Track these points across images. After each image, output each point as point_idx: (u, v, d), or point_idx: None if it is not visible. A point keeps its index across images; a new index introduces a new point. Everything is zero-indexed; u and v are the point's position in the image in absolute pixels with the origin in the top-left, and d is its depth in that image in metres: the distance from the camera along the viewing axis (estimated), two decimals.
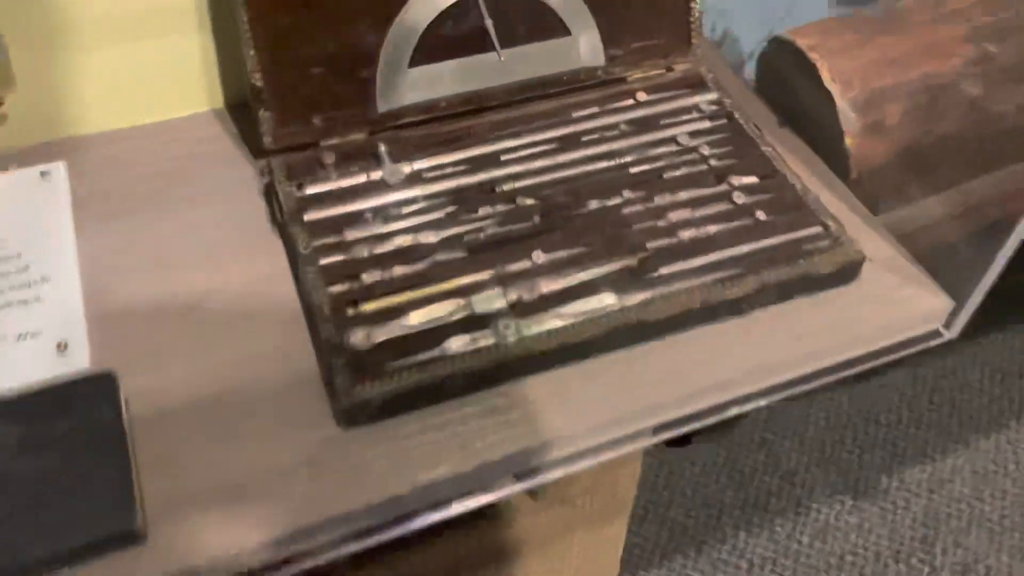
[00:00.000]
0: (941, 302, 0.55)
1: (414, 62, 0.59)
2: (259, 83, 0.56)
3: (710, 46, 0.73)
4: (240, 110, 0.63)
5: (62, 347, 0.50)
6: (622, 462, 0.61)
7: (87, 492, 0.43)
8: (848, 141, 0.61)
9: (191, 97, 0.64)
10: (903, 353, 0.56)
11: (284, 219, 0.55)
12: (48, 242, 0.55)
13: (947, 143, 0.62)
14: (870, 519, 1.74)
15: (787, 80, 0.66)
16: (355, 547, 0.45)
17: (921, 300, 0.55)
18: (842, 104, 0.61)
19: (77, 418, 0.45)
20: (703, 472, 1.82)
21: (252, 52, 0.55)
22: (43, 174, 0.59)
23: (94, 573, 0.42)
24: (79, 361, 0.49)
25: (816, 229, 0.56)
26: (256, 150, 0.60)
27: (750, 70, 1.02)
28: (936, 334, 0.56)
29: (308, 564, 0.45)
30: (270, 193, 0.57)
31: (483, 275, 0.52)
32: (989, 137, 0.64)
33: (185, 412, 0.48)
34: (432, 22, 0.59)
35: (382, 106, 0.60)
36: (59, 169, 0.60)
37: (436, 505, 0.47)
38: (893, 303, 0.55)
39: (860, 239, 0.57)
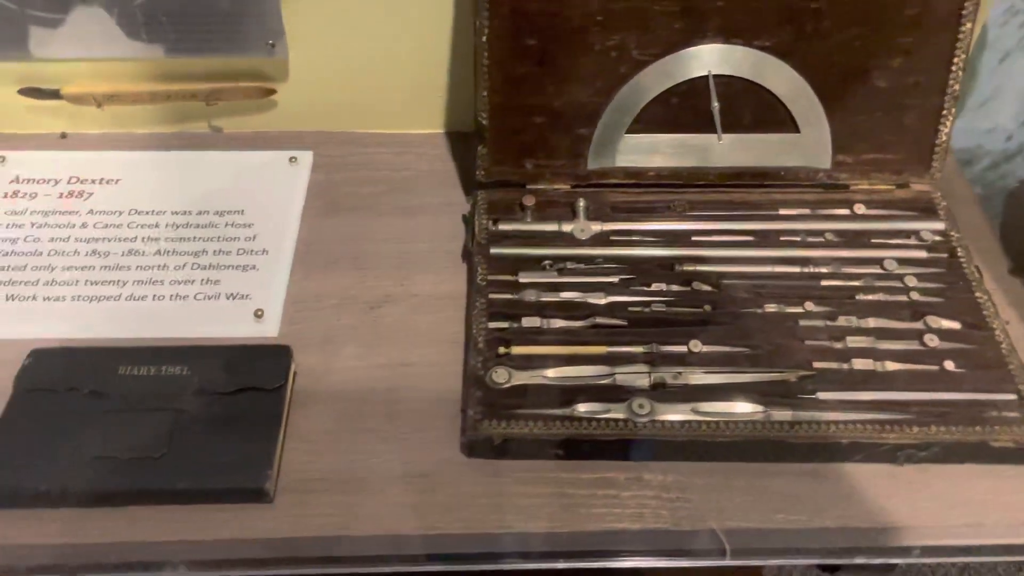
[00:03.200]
0: None
1: (633, 129, 0.61)
2: (484, 122, 0.61)
3: (961, 172, 0.68)
4: (468, 138, 0.68)
5: (259, 314, 0.57)
6: (738, 570, 0.59)
7: (237, 446, 0.49)
8: None
9: (427, 117, 0.70)
10: None
11: (472, 248, 0.59)
12: (277, 220, 0.63)
13: None
14: None
15: None
16: (432, 568, 0.47)
17: None
18: None
19: (251, 379, 0.52)
20: None
21: (484, 93, 0.60)
22: (292, 159, 0.67)
23: (222, 516, 0.48)
24: (270, 330, 0.56)
25: (1010, 396, 0.51)
26: (469, 179, 0.64)
27: None
28: None
29: (389, 569, 0.48)
30: (469, 221, 0.62)
31: (636, 348, 0.53)
32: None
33: (340, 398, 0.53)
34: (660, 95, 0.60)
35: (592, 164, 0.62)
36: (306, 157, 0.68)
37: (524, 555, 0.49)
38: None
39: None
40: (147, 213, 0.63)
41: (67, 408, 0.50)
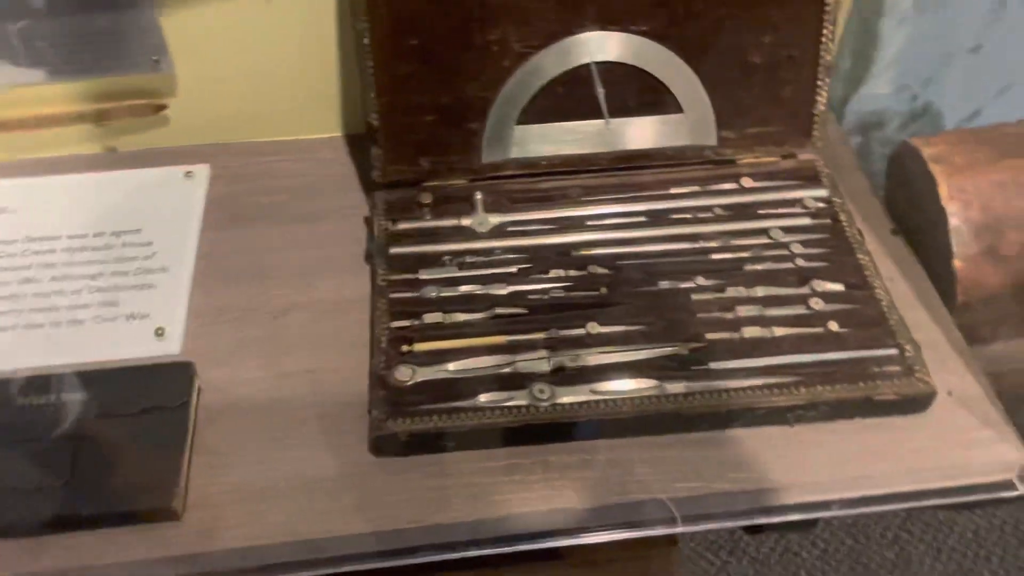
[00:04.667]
0: (1017, 453, 0.51)
1: (522, 120, 0.62)
2: (375, 123, 0.61)
3: (844, 138, 0.71)
4: (365, 139, 0.69)
5: (160, 332, 0.57)
6: (653, 544, 0.61)
7: (142, 466, 0.49)
8: (957, 263, 0.58)
9: (323, 122, 0.70)
10: (966, 499, 0.52)
11: (372, 250, 0.60)
12: (176, 237, 0.63)
13: None
14: None
15: (911, 187, 0.63)
16: (347, 569, 0.48)
17: (994, 446, 0.51)
18: (956, 223, 0.57)
19: (154, 399, 0.52)
20: (822, 557, 1.73)
21: (373, 95, 0.60)
22: (187, 174, 0.67)
23: (130, 538, 0.48)
24: (172, 347, 0.56)
25: (891, 351, 0.53)
26: (370, 181, 0.65)
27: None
28: (1009, 485, 0.52)
29: (316, 572, 0.49)
30: (370, 222, 0.62)
31: (536, 336, 0.54)
32: None
33: (247, 410, 0.54)
34: (545, 84, 0.61)
35: (486, 157, 0.63)
36: (203, 171, 0.68)
37: (443, 547, 0.50)
38: (961, 444, 0.52)
39: (943, 369, 0.54)
40: (42, 239, 0.62)
41: None
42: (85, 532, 0.48)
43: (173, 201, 0.65)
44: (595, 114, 0.62)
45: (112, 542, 0.47)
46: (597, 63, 0.61)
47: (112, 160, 0.69)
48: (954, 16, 0.80)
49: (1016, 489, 0.52)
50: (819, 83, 0.63)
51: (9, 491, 0.48)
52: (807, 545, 1.74)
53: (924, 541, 1.75)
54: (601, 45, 0.60)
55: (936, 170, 0.59)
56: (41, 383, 0.52)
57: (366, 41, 0.59)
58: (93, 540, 0.48)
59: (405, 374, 0.52)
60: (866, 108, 0.92)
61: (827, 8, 0.60)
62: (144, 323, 0.57)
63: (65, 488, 0.48)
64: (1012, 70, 0.87)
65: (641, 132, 0.63)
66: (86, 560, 0.47)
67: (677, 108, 0.63)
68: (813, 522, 0.80)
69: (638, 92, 0.62)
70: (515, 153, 0.63)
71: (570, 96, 0.62)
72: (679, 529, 0.51)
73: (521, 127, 0.62)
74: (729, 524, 0.51)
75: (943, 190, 0.58)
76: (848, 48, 0.80)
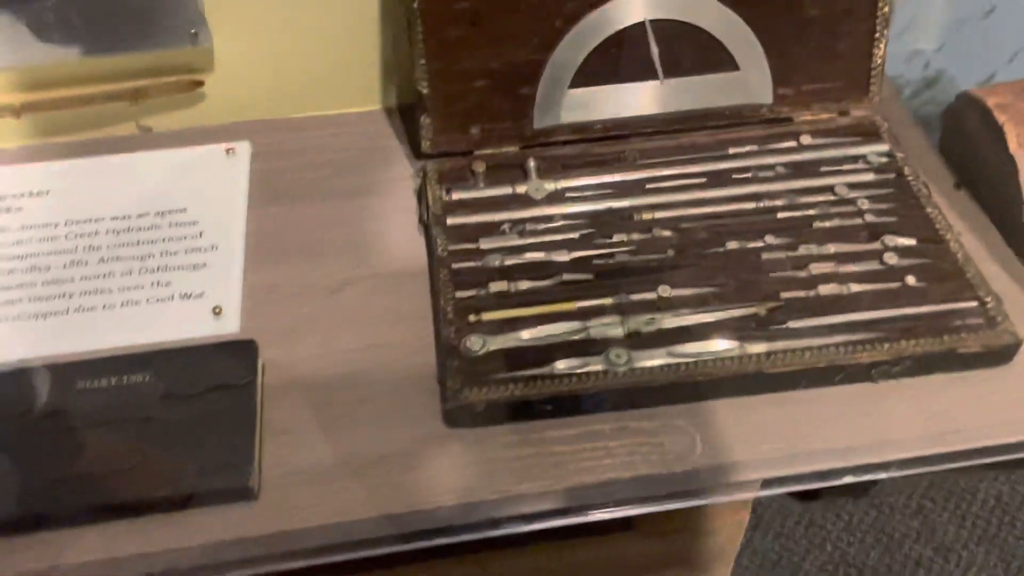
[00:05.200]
0: None
1: (575, 83, 0.61)
2: (425, 91, 0.59)
3: (897, 96, 0.69)
4: (408, 111, 0.67)
5: (218, 311, 0.55)
6: (727, 509, 0.60)
7: (215, 446, 0.48)
8: None
9: (365, 95, 0.68)
10: None
11: (428, 221, 0.58)
12: (222, 214, 0.61)
13: None
14: None
15: (972, 140, 0.61)
16: (434, 542, 0.47)
17: None
18: None
19: (219, 378, 0.50)
20: (847, 529, 1.73)
21: (422, 62, 0.58)
22: (228, 151, 0.65)
23: (208, 520, 0.46)
24: (230, 326, 0.55)
25: (971, 304, 0.52)
26: (415, 152, 0.63)
27: None
28: None
29: (390, 549, 0.47)
30: (421, 194, 0.60)
31: (606, 301, 0.53)
32: None
33: (312, 387, 0.52)
34: (598, 46, 0.60)
35: (538, 123, 0.61)
36: (244, 147, 0.66)
37: (522, 518, 0.48)
38: None
39: (1022, 320, 0.53)
40: (84, 222, 0.60)
41: (24, 432, 0.48)
42: (160, 516, 0.46)
43: (216, 179, 0.63)
44: (649, 75, 0.61)
45: (189, 525, 0.46)
46: (652, 21, 0.59)
47: (149, 140, 0.67)
48: None
49: None
50: (877, 36, 0.61)
51: (77, 477, 0.46)
52: (831, 517, 1.74)
53: (947, 509, 1.75)
54: (655, 1, 0.59)
55: (1003, 119, 0.57)
56: (101, 365, 0.51)
57: (415, 4, 0.57)
58: (169, 524, 0.46)
59: (476, 343, 0.51)
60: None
61: None
62: (200, 302, 0.56)
63: (137, 471, 0.46)
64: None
65: (696, 92, 0.62)
66: (167, 544, 0.45)
67: (733, 66, 0.61)
68: (870, 483, 0.79)
69: (693, 50, 0.60)
70: (567, 118, 0.62)
71: (623, 57, 0.60)
72: (765, 493, 0.50)
73: (573, 91, 0.61)
74: (816, 484, 0.50)
75: (1012, 138, 0.57)
76: None
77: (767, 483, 0.50)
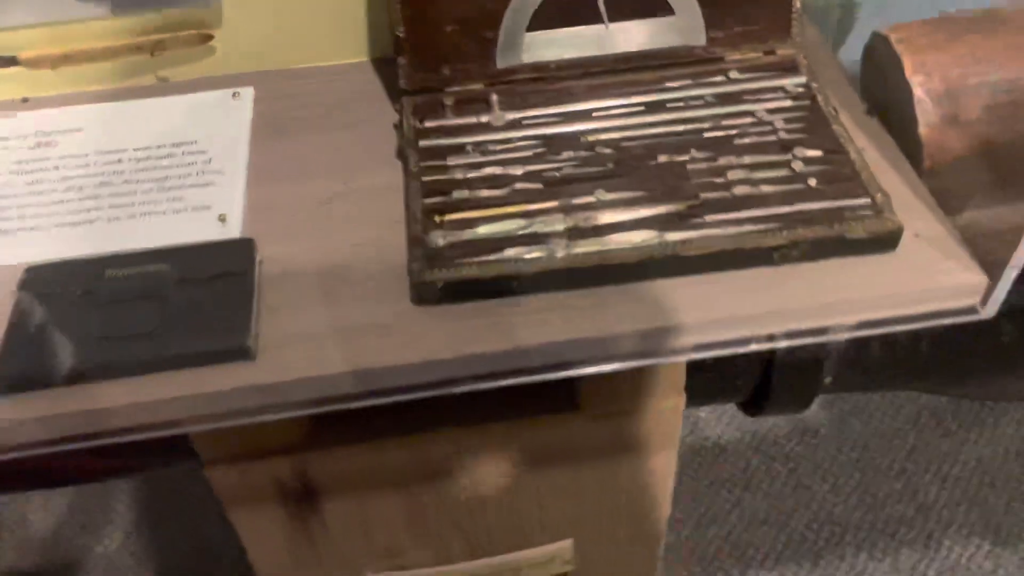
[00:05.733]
0: (978, 279, 0.58)
1: (532, 27, 0.70)
2: (401, 35, 0.69)
3: (815, 35, 0.78)
4: (390, 63, 0.76)
5: (222, 218, 0.65)
6: (664, 397, 0.69)
7: (219, 317, 0.57)
8: (922, 131, 0.65)
9: (358, 47, 0.78)
10: (934, 323, 0.60)
11: (404, 145, 0.68)
12: (228, 146, 0.71)
13: None
14: (1007, 567, 1.66)
15: (880, 72, 0.70)
16: (400, 399, 0.56)
17: (957, 275, 0.59)
18: (919, 94, 0.65)
19: (222, 266, 0.60)
20: (833, 490, 1.81)
21: (398, 8, 0.68)
22: (235, 95, 0.75)
23: (214, 375, 0.56)
24: (233, 230, 0.64)
25: (863, 200, 0.61)
26: (396, 96, 0.73)
27: None
28: (972, 311, 0.59)
29: (366, 403, 0.57)
30: (399, 125, 0.70)
31: (551, 203, 0.62)
32: None
33: (302, 276, 0.61)
34: None
35: (500, 63, 0.71)
36: (248, 92, 0.76)
37: (478, 377, 0.58)
38: (927, 274, 0.59)
39: (912, 218, 0.61)
40: (111, 152, 0.70)
41: (65, 307, 0.58)
42: (172, 372, 0.56)
43: (223, 118, 0.73)
44: (596, 20, 0.70)
45: (197, 378, 0.55)
46: None
47: (166, 88, 0.77)
48: None
49: (977, 313, 0.60)
50: None
51: (107, 339, 0.56)
52: (817, 480, 1.82)
53: (930, 471, 1.82)
54: None
55: (901, 49, 0.66)
56: (125, 258, 0.61)
57: None
58: (180, 378, 0.56)
59: (439, 236, 0.60)
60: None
61: None
62: (208, 213, 0.65)
63: (153, 336, 0.56)
64: None
65: (637, 34, 0.71)
66: (179, 393, 0.55)
67: (669, 11, 0.70)
68: (808, 400, 0.88)
69: None
70: (526, 58, 0.71)
71: (573, 3, 0.70)
72: (685, 357, 0.59)
73: (530, 34, 0.70)
74: (731, 351, 0.58)
75: (907, 66, 0.65)
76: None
77: (695, 348, 0.59)
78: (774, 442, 1.84)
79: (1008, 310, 0.88)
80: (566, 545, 0.80)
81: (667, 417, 0.70)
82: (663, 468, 0.74)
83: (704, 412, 1.89)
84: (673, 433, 0.71)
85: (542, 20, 0.70)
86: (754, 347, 0.59)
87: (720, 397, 0.89)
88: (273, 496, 0.69)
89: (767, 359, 0.84)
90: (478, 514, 0.75)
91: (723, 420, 1.89)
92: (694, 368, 0.84)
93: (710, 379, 0.85)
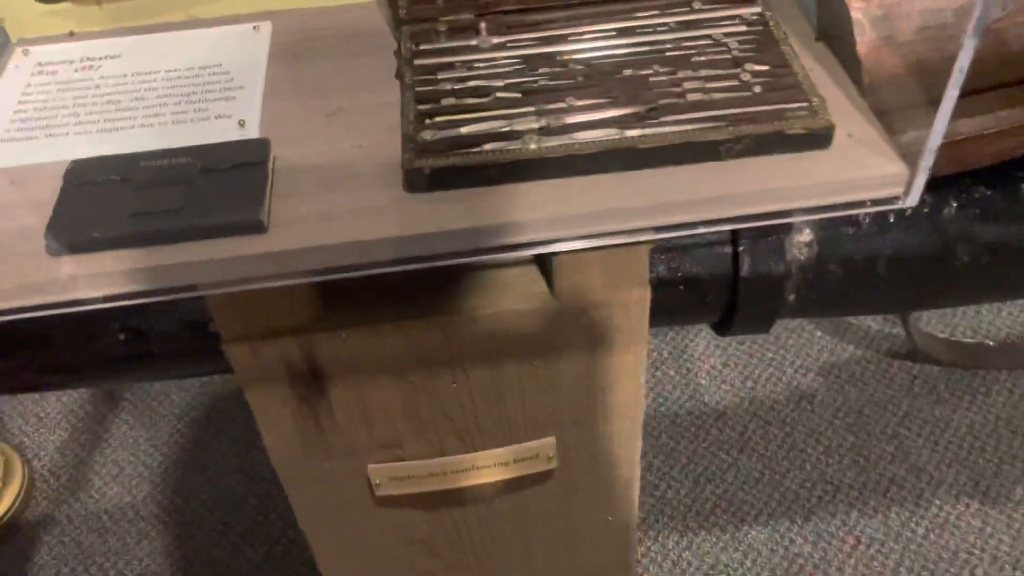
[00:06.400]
0: (900, 170, 0.66)
1: None
2: None
3: None
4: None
5: (242, 123, 0.74)
6: (629, 288, 0.77)
7: (238, 196, 0.66)
8: (859, 49, 0.73)
9: None
10: (865, 211, 0.67)
11: (400, 64, 0.77)
12: (249, 68, 0.80)
13: (951, 62, 0.72)
14: (994, 524, 1.72)
15: (828, 4, 0.78)
16: (393, 268, 0.65)
17: (884, 167, 0.67)
18: (857, 16, 0.73)
19: (241, 159, 0.69)
20: (827, 452, 1.87)
21: None
22: (255, 27, 0.85)
23: (231, 244, 0.65)
24: (251, 133, 0.74)
25: (802, 104, 0.69)
26: (395, 23, 0.82)
27: None
28: (895, 199, 0.67)
29: (364, 272, 0.65)
30: (398, 51, 0.79)
31: (528, 108, 0.71)
32: (1000, 59, 0.73)
33: (310, 170, 0.70)
34: None
35: None
36: (266, 26, 0.85)
37: (459, 253, 0.66)
38: (857, 167, 0.67)
39: (848, 121, 0.69)
40: (146, 73, 0.80)
41: (106, 189, 0.67)
42: (197, 242, 0.65)
43: (245, 46, 0.83)
44: None
45: (216, 247, 0.65)
46: None
47: (195, 23, 0.87)
48: None
49: (901, 201, 0.67)
50: None
51: (142, 215, 0.65)
52: (811, 442, 1.88)
53: (922, 435, 1.88)
54: None
55: None
56: (158, 153, 0.70)
57: None
58: (202, 247, 0.65)
59: (428, 133, 0.69)
60: None
61: None
62: (229, 120, 0.75)
63: (178, 211, 0.65)
64: None
65: None
66: (201, 257, 0.64)
67: None
68: (772, 318, 0.95)
69: None
70: None
71: None
72: (644, 237, 0.67)
73: None
74: (684, 233, 0.67)
75: None
76: None
77: (658, 229, 0.67)
78: (771, 407, 1.91)
79: (962, 234, 0.96)
80: (549, 441, 0.88)
81: (634, 311, 0.78)
82: (634, 364, 0.82)
83: (703, 379, 1.96)
84: (641, 328, 0.79)
85: None
86: (702, 229, 0.67)
87: (693, 315, 0.97)
88: (284, 377, 0.78)
89: (733, 279, 0.93)
90: (467, 405, 0.84)
91: (722, 387, 1.96)
92: (667, 285, 0.92)
93: (682, 297, 0.94)
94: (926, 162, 0.64)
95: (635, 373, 0.83)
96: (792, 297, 0.93)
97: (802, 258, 0.90)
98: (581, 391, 0.84)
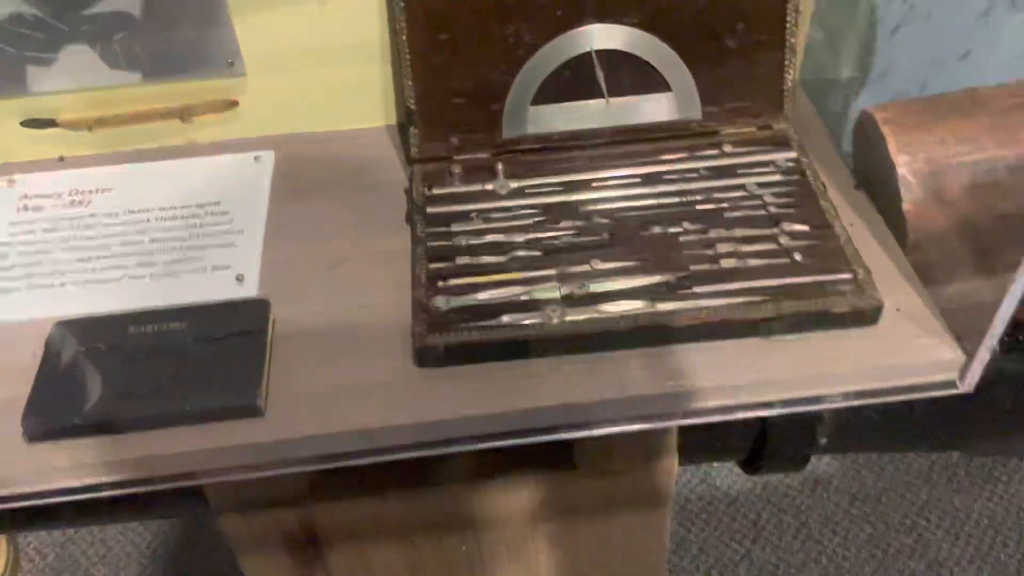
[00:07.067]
0: (955, 355, 0.61)
1: (536, 101, 0.74)
2: (412, 107, 0.73)
3: (811, 111, 0.81)
4: (403, 127, 0.81)
5: (240, 278, 0.69)
6: (656, 458, 0.71)
7: (232, 374, 0.61)
8: (905, 207, 0.68)
9: (373, 114, 0.82)
10: (913, 396, 0.62)
11: (412, 211, 0.72)
12: (249, 208, 0.75)
13: (1006, 221, 0.67)
14: None
15: (868, 148, 0.73)
16: (403, 456, 0.59)
17: (936, 350, 0.61)
18: (903, 172, 0.68)
19: (238, 325, 0.64)
20: (843, 544, 1.80)
21: (409, 83, 0.73)
22: (256, 158, 0.80)
23: (226, 430, 0.59)
24: (250, 290, 0.68)
25: (846, 275, 0.64)
26: (407, 159, 0.77)
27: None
28: (951, 384, 0.62)
29: (367, 461, 0.60)
30: (409, 192, 0.74)
31: (549, 271, 0.66)
32: None
33: (312, 335, 0.65)
34: (554, 70, 0.73)
35: (506, 133, 0.75)
36: (269, 156, 0.80)
37: (476, 438, 0.61)
38: (907, 349, 0.62)
39: (894, 292, 0.64)
40: (139, 212, 0.75)
41: (91, 361, 0.62)
42: (186, 427, 0.59)
43: (245, 180, 0.78)
44: (597, 94, 0.74)
45: (208, 433, 0.59)
46: (597, 51, 0.73)
47: (193, 149, 0.82)
48: (943, 23, 0.90)
49: (956, 388, 0.62)
50: (787, 63, 0.74)
51: (124, 395, 0.60)
52: (828, 533, 1.81)
53: (942, 527, 1.81)
54: (600, 35, 0.72)
55: (886, 130, 0.69)
56: (147, 316, 0.65)
57: (404, 37, 0.71)
58: (194, 433, 0.59)
59: (441, 302, 0.64)
60: None
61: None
62: (227, 272, 0.70)
63: (171, 391, 0.60)
64: (999, 72, 0.97)
65: (636, 109, 0.75)
66: (191, 447, 0.58)
67: (666, 87, 0.74)
68: (804, 460, 0.89)
69: (632, 74, 0.74)
70: (531, 129, 0.75)
71: (575, 79, 0.74)
72: (674, 423, 0.62)
73: (535, 107, 0.74)
74: (717, 418, 0.61)
75: (892, 145, 0.68)
76: (844, 60, 0.90)
77: (676, 415, 0.62)
78: (784, 494, 1.84)
79: (998, 376, 0.90)
80: None
81: (660, 478, 0.72)
82: (657, 527, 0.76)
83: (714, 464, 1.90)
84: (666, 493, 0.73)
85: (546, 94, 0.74)
86: (739, 415, 0.61)
87: (718, 455, 0.91)
88: (280, 545, 0.73)
89: (762, 421, 0.87)
90: (477, 568, 0.78)
91: (734, 472, 1.89)
92: (692, 426, 0.86)
93: (708, 438, 0.88)
94: (985, 351, 0.59)
95: (659, 534, 0.77)
96: (824, 440, 0.87)
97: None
98: (600, 553, 0.78)
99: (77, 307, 0.67)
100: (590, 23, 0.72)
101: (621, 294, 0.64)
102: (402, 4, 0.70)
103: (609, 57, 0.73)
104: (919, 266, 0.68)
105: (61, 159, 0.81)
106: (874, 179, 0.73)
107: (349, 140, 0.82)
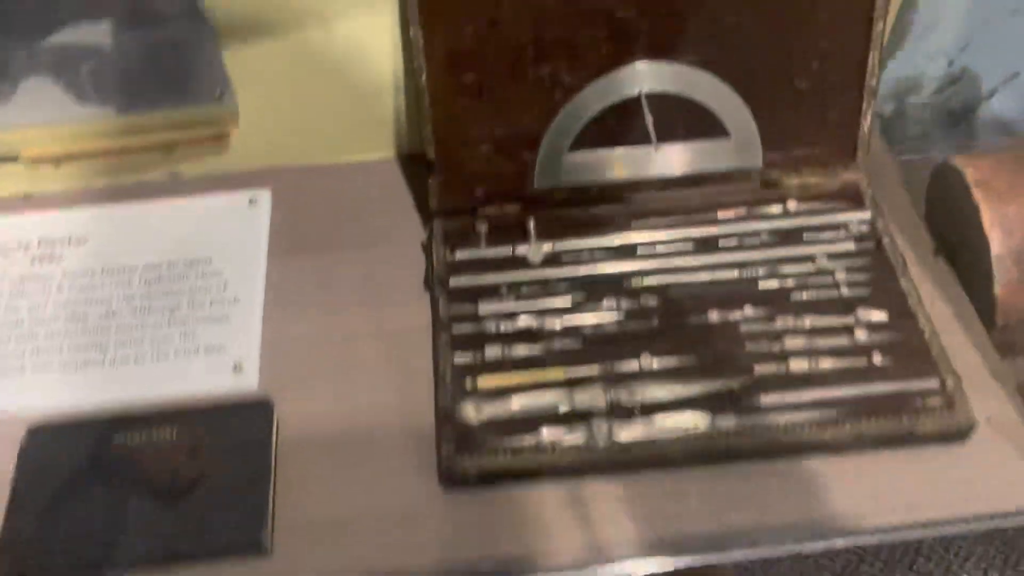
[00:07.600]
0: None
1: (573, 147, 0.64)
2: (431, 155, 0.63)
3: (889, 154, 0.71)
4: (418, 159, 0.70)
5: (238, 367, 0.60)
6: None
7: (233, 502, 0.53)
8: (998, 290, 0.59)
9: (376, 144, 0.72)
10: (1009, 524, 0.55)
11: (432, 280, 0.62)
12: (244, 266, 0.66)
13: None
14: None
15: (952, 209, 0.64)
16: None
17: None
18: (999, 251, 0.59)
19: (237, 436, 0.56)
20: None
21: (429, 128, 0.62)
22: (251, 202, 0.70)
23: (227, 570, 0.52)
24: (249, 383, 0.60)
25: (932, 383, 0.56)
26: (423, 200, 0.67)
27: (987, 110, 0.97)
28: None
29: None
30: (428, 251, 0.65)
31: (592, 369, 0.57)
32: None
33: (322, 443, 0.57)
34: (597, 114, 0.63)
35: (538, 184, 0.65)
36: (265, 198, 0.70)
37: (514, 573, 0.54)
38: (1002, 471, 0.54)
39: (983, 394, 0.56)
40: (119, 271, 0.66)
41: (71, 487, 0.54)
42: (184, 567, 0.52)
43: (239, 229, 0.68)
44: (643, 140, 0.64)
45: (208, 574, 0.52)
46: (646, 94, 0.62)
47: (179, 186, 0.72)
48: None
49: None
50: (864, 107, 0.63)
51: (115, 531, 0.52)
52: None
53: None
54: (650, 75, 0.62)
55: (979, 196, 0.60)
56: (133, 423, 0.57)
57: (424, 79, 0.60)
58: (192, 573, 0.52)
59: (471, 412, 0.56)
60: (901, 73, 0.92)
61: (873, 34, 0.61)
62: (222, 357, 0.61)
63: (164, 525, 0.52)
64: None
65: (688, 156, 0.65)
66: None
67: (724, 132, 0.64)
68: None
69: (685, 118, 0.63)
70: (566, 180, 0.65)
71: (619, 123, 0.63)
72: (735, 557, 0.55)
73: (572, 154, 0.64)
74: (779, 552, 0.54)
75: (986, 218, 0.59)
76: None
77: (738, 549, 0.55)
78: None
79: None
80: None
81: None
82: None
83: None
84: None
85: (585, 140, 0.64)
86: (804, 548, 0.54)
87: None
88: None
89: None
90: None
91: None
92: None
93: None
94: None
95: None
96: None
97: None
98: None
99: (53, 401, 0.59)
100: (639, 60, 0.61)
101: (676, 404, 0.56)
102: (422, 42, 0.59)
103: (660, 99, 0.62)
104: (1003, 345, 0.60)
105: (27, 197, 0.71)
106: (955, 239, 0.64)
107: (352, 174, 0.72)
